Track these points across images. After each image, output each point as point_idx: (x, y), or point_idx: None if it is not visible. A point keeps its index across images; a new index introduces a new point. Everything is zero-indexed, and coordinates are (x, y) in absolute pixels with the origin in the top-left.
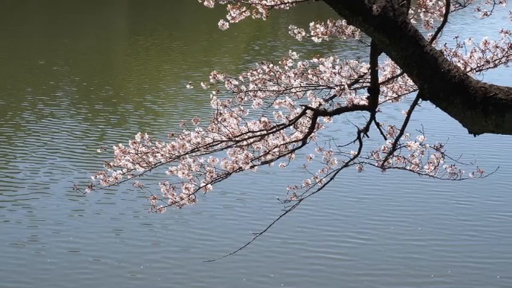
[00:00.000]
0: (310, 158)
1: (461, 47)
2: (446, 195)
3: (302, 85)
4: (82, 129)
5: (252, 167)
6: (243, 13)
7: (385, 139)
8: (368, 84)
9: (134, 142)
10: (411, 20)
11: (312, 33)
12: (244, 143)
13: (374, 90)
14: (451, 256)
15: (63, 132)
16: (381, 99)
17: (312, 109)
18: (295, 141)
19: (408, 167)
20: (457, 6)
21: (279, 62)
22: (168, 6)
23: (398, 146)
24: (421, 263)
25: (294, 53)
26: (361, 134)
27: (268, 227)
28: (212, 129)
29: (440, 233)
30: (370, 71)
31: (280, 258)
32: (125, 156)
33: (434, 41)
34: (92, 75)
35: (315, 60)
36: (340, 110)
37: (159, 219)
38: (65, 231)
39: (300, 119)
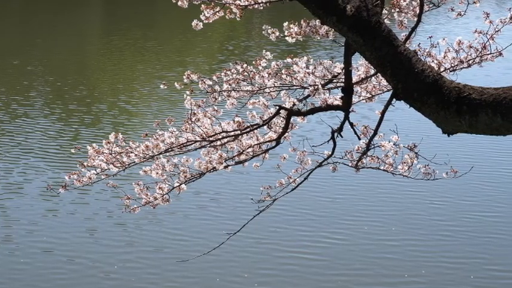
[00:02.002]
0: (284, 158)
1: (435, 47)
2: (420, 195)
3: (276, 85)
4: (56, 129)
5: (226, 167)
6: (217, 13)
7: (359, 139)
8: (342, 84)
9: (108, 142)
10: (385, 20)
11: (285, 33)
12: (218, 143)
13: (348, 90)
14: (424, 256)
15: (37, 132)
16: (354, 99)
17: (285, 109)
18: (269, 141)
19: (382, 167)
20: (431, 6)
21: (253, 62)
22: (142, 6)
23: (372, 146)
24: (394, 263)
25: (268, 53)
26: (335, 134)
27: (242, 227)
28: (186, 129)
29: (414, 233)
30: (344, 71)
31: (254, 258)
32: (98, 156)
33: (408, 41)
34: (66, 75)
35: (289, 60)
36: (314, 110)
37: (133, 219)
38: (39, 231)
39: (274, 119)
